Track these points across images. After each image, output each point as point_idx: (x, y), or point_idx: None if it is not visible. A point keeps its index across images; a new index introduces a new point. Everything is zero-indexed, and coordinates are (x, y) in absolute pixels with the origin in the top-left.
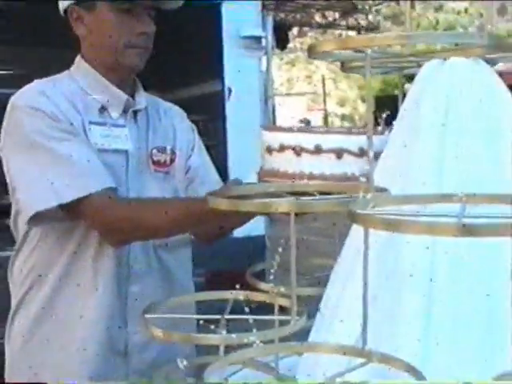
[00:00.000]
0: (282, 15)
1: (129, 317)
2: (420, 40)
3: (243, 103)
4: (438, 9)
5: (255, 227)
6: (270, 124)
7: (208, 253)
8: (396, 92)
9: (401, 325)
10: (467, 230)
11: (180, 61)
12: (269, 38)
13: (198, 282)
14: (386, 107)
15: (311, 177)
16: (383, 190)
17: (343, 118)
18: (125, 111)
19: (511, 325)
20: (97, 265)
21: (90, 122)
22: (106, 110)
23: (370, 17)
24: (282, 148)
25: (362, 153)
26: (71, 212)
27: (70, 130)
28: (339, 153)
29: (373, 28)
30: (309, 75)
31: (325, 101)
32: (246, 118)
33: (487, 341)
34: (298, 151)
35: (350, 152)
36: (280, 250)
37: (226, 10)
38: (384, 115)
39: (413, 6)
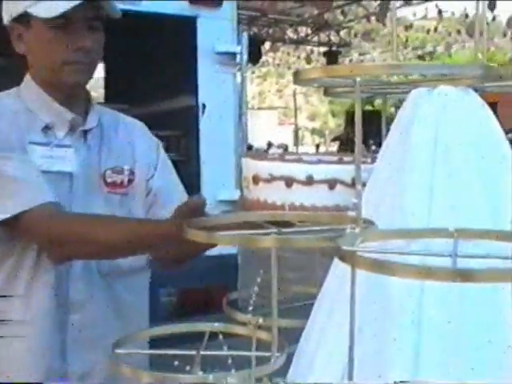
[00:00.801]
0: (256, 30)
1: (69, 349)
2: (411, 71)
3: (217, 119)
4: (408, 27)
5: None
6: (254, 152)
7: (179, 270)
8: (367, 107)
9: (388, 362)
10: (464, 276)
11: (153, 75)
12: (244, 55)
13: (169, 302)
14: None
15: (302, 208)
16: (370, 222)
17: (313, 131)
18: (72, 130)
19: (503, 364)
20: (31, 293)
21: (30, 143)
22: (51, 129)
23: (342, 33)
24: (272, 178)
25: (354, 183)
26: (11, 229)
27: (9, 148)
28: (332, 183)
29: (344, 44)
30: (280, 89)
31: (296, 115)
32: (220, 134)
33: (478, 379)
34: (289, 182)
35: (342, 182)
36: (258, 280)
37: (200, 24)
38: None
39: (384, 24)
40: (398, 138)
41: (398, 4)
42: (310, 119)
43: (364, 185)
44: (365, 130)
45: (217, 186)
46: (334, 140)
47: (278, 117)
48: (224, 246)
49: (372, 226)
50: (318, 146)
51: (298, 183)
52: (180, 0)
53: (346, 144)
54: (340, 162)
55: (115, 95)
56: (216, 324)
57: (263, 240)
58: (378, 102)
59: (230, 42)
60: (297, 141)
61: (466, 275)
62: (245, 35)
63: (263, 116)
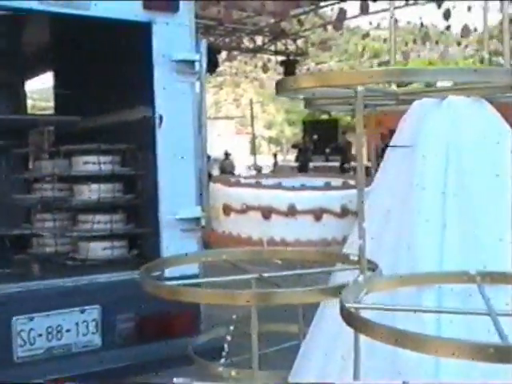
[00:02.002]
0: (212, 39)
1: None
2: (422, 78)
3: (175, 131)
4: (365, 35)
5: (189, 266)
6: (226, 177)
7: (136, 294)
8: (323, 116)
9: None
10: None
11: (107, 85)
12: (203, 63)
13: (127, 328)
14: (315, 131)
15: (283, 244)
16: (373, 265)
17: (270, 140)
18: None
19: None
20: None
21: None
22: None
23: (299, 42)
24: (246, 208)
25: (344, 212)
26: None
27: None
28: (317, 214)
29: (301, 53)
30: (236, 98)
31: (252, 124)
32: (179, 147)
33: None
34: (267, 212)
35: (330, 212)
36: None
37: (156, 31)
38: (315, 137)
39: (341, 33)
40: (400, 156)
41: (353, 13)
42: (266, 128)
43: (356, 213)
44: (321, 138)
45: (176, 203)
46: (293, 147)
47: (235, 126)
48: (185, 266)
49: (377, 272)
50: (275, 155)
51: (277, 214)
52: (134, 1)
53: (304, 153)
54: (326, 188)
55: (66, 107)
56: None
57: (242, 296)
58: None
59: (187, 50)
60: (254, 150)
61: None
62: (203, 42)
63: (220, 125)
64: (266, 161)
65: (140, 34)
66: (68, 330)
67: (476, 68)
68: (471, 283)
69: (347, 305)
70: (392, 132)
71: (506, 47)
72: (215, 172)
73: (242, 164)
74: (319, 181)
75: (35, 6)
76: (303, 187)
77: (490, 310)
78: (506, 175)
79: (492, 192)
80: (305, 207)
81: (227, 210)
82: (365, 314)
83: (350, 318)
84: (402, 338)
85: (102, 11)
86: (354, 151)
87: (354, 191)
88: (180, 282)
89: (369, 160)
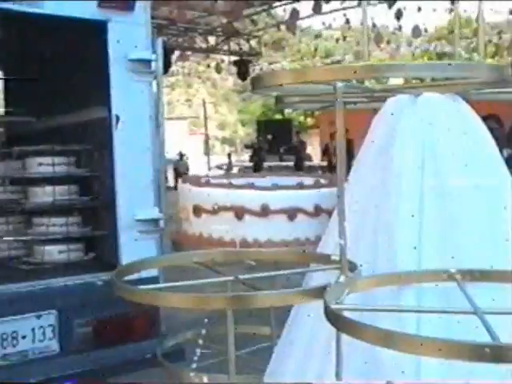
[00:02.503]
0: (164, 39)
1: None
2: (403, 72)
3: (132, 131)
4: (318, 35)
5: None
6: (195, 177)
7: (94, 298)
8: (277, 116)
9: None
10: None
11: (61, 85)
12: (159, 62)
13: (85, 333)
14: (269, 131)
15: (256, 244)
16: (353, 265)
17: (224, 141)
18: None
19: None
20: None
21: None
22: None
23: (252, 42)
24: (218, 209)
25: (317, 211)
26: None
27: None
28: (291, 213)
29: (255, 54)
30: (189, 99)
31: (206, 124)
32: (136, 147)
33: None
34: (240, 213)
35: (303, 211)
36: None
37: (112, 30)
38: (269, 137)
39: (294, 33)
40: (376, 153)
41: (306, 13)
42: (219, 128)
43: (330, 213)
44: (275, 138)
45: (134, 204)
46: (246, 147)
47: (188, 127)
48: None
49: (356, 272)
50: (229, 155)
51: (250, 214)
52: (89, 0)
53: (258, 153)
54: (299, 187)
55: (18, 107)
56: None
57: (217, 300)
58: (287, 110)
59: (144, 49)
60: (207, 150)
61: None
62: (159, 41)
63: (173, 126)
64: (220, 161)
65: (95, 33)
66: (24, 337)
67: (460, 63)
68: (451, 281)
69: (332, 306)
70: (346, 130)
71: (481, 43)
72: (169, 173)
73: (196, 165)
74: (291, 180)
75: None
76: (276, 187)
77: (475, 308)
78: (480, 171)
79: (468, 188)
80: (278, 207)
81: (198, 210)
82: (346, 314)
83: (335, 319)
84: (391, 339)
85: (57, 9)
86: (308, 151)
87: (327, 190)
88: (154, 286)
89: (322, 159)
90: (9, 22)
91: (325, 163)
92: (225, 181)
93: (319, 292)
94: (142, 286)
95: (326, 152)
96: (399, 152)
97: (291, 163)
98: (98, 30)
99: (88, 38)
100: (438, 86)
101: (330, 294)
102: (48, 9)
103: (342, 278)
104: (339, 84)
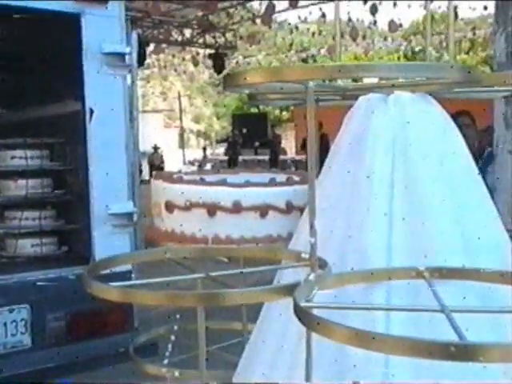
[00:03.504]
0: (139, 31)
1: None
2: (371, 73)
3: (106, 124)
4: (293, 30)
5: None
6: (168, 173)
7: (67, 292)
8: (253, 110)
9: None
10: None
11: (34, 77)
12: (133, 55)
13: (57, 327)
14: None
15: (228, 241)
16: (323, 262)
17: (199, 134)
18: None
19: None
20: None
21: None
22: None
23: (228, 35)
24: (190, 205)
25: (289, 208)
26: None
27: None
28: (263, 210)
29: (230, 47)
30: (164, 92)
31: (181, 118)
32: (110, 141)
33: None
34: (212, 209)
35: (275, 208)
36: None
37: (86, 23)
38: (244, 131)
39: (269, 26)
40: (347, 151)
41: (282, 7)
42: (194, 121)
43: (302, 210)
44: (250, 132)
45: (108, 198)
46: (219, 142)
47: (163, 119)
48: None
49: (327, 269)
50: (204, 149)
51: (222, 211)
52: None
53: (233, 147)
54: (271, 184)
55: None
56: None
57: (188, 298)
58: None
59: (118, 42)
60: (182, 143)
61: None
62: (134, 34)
63: (148, 119)
64: (195, 154)
65: (69, 25)
66: None
67: (430, 63)
68: (420, 279)
69: (301, 304)
70: (321, 125)
71: (451, 43)
72: (144, 166)
73: (171, 158)
74: (264, 177)
75: None
76: (248, 183)
77: (442, 306)
78: (451, 171)
79: (439, 188)
80: (250, 204)
81: (170, 207)
82: (316, 312)
83: (304, 317)
84: (360, 338)
85: (30, 2)
86: (283, 144)
87: (299, 187)
88: (126, 283)
89: (297, 153)
90: None
91: (299, 157)
92: (197, 177)
93: (289, 290)
94: (113, 283)
95: (305, 146)
96: (370, 151)
97: (266, 157)
98: (71, 22)
99: (61, 31)
100: (409, 86)
101: (300, 292)
102: (20, 1)
103: (312, 276)
104: (310, 83)
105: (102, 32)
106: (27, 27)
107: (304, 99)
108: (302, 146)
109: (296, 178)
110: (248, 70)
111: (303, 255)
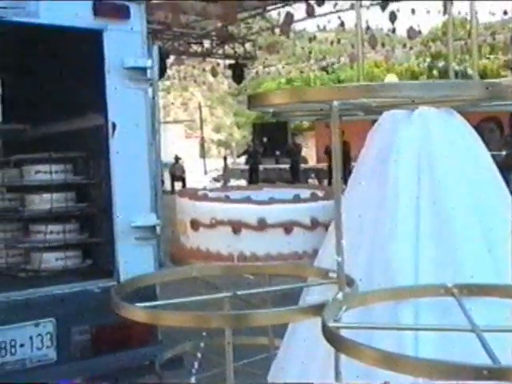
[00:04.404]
0: (160, 43)
1: None
2: (399, 93)
3: (129, 138)
4: (312, 39)
5: (143, 270)
6: (192, 190)
7: (92, 305)
8: (272, 120)
9: None
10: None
11: (58, 92)
12: (155, 69)
13: (83, 341)
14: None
15: (254, 258)
16: (350, 280)
17: (219, 143)
18: None
19: None
20: None
21: None
22: None
23: (247, 46)
24: (215, 223)
25: (314, 224)
26: None
27: None
28: (288, 227)
29: (249, 57)
30: (184, 102)
31: (202, 128)
32: (133, 154)
33: None
34: (237, 227)
35: (300, 225)
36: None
37: (108, 38)
38: (265, 140)
39: (288, 36)
40: (372, 167)
41: (300, 17)
42: (215, 131)
43: (327, 226)
44: (271, 141)
45: (131, 211)
46: (241, 155)
47: (184, 130)
48: (138, 271)
49: (354, 287)
50: (225, 159)
51: (247, 228)
52: (85, 8)
53: (254, 156)
54: (295, 200)
55: (14, 114)
56: None
57: (216, 319)
58: None
59: (139, 56)
60: (203, 153)
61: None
62: (155, 48)
63: (169, 130)
64: (215, 164)
65: (91, 41)
66: (22, 345)
67: (453, 82)
68: (449, 296)
69: (330, 324)
70: (342, 132)
71: (474, 58)
72: (165, 177)
73: (192, 168)
74: (288, 193)
75: None
76: (272, 200)
77: (473, 325)
78: (477, 187)
79: (464, 200)
80: (275, 221)
81: (195, 224)
82: (344, 332)
83: (333, 338)
84: (388, 360)
85: (53, 19)
86: (303, 153)
87: (323, 203)
88: (153, 303)
89: (318, 162)
90: (5, 32)
91: (320, 166)
92: (222, 195)
93: (317, 309)
94: (140, 304)
95: (327, 153)
96: (395, 166)
97: (287, 166)
98: (94, 38)
99: (84, 47)
100: (433, 102)
101: (328, 312)
102: (44, 19)
103: (340, 294)
104: (335, 103)
105: (124, 47)
106: (51, 43)
107: (327, 114)
108: (325, 152)
109: (320, 194)
110: (273, 91)
111: (331, 274)
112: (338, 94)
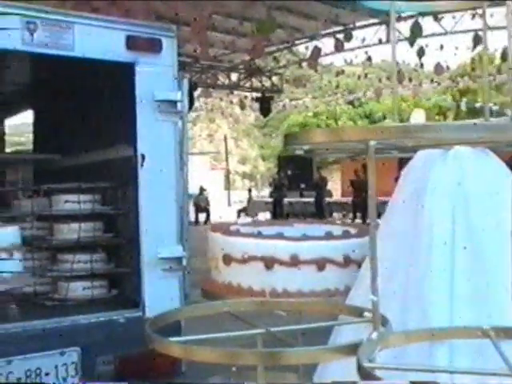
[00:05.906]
0: (188, 75)
1: None
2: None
3: (157, 170)
4: (340, 72)
5: (169, 301)
6: (224, 225)
7: (117, 335)
8: (299, 152)
9: None
10: None
11: (89, 123)
12: (185, 102)
13: (107, 370)
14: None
15: (286, 295)
16: (383, 319)
17: (244, 175)
18: None
19: None
20: None
21: None
22: None
23: (274, 79)
24: (248, 258)
25: (347, 262)
26: None
27: None
28: (320, 263)
29: (276, 90)
30: (210, 134)
31: (227, 159)
32: (161, 186)
33: None
34: (269, 262)
35: (332, 262)
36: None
37: (139, 71)
38: (290, 173)
39: (315, 70)
40: (406, 205)
41: (328, 51)
42: (240, 163)
43: (359, 263)
44: (296, 174)
45: (158, 242)
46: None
47: (210, 161)
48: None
49: (388, 327)
50: (250, 190)
51: (280, 264)
52: (118, 42)
53: (279, 188)
54: (328, 237)
55: (45, 144)
56: None
57: (248, 356)
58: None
59: (170, 89)
60: (228, 185)
61: None
62: (185, 81)
63: (194, 161)
64: (240, 196)
65: (123, 74)
66: (47, 374)
67: (492, 124)
68: (485, 338)
69: (365, 364)
70: (365, 167)
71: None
72: (190, 208)
73: (217, 199)
74: (319, 229)
75: (19, 46)
76: (305, 237)
77: (510, 369)
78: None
79: (500, 243)
80: (307, 257)
81: (227, 259)
82: (378, 372)
83: (368, 378)
84: None
85: (86, 52)
86: (328, 187)
87: (356, 240)
88: (186, 338)
89: (343, 195)
90: (40, 65)
91: (345, 199)
92: (254, 230)
93: (351, 349)
94: (174, 339)
95: (353, 187)
96: (430, 207)
97: (312, 199)
98: (125, 71)
99: (116, 79)
100: (468, 143)
101: (363, 352)
102: (78, 52)
103: (375, 334)
104: (372, 143)
105: (155, 80)
106: (84, 76)
107: (358, 153)
108: (351, 186)
109: (353, 231)
110: (310, 130)
111: (366, 313)
112: (376, 135)
